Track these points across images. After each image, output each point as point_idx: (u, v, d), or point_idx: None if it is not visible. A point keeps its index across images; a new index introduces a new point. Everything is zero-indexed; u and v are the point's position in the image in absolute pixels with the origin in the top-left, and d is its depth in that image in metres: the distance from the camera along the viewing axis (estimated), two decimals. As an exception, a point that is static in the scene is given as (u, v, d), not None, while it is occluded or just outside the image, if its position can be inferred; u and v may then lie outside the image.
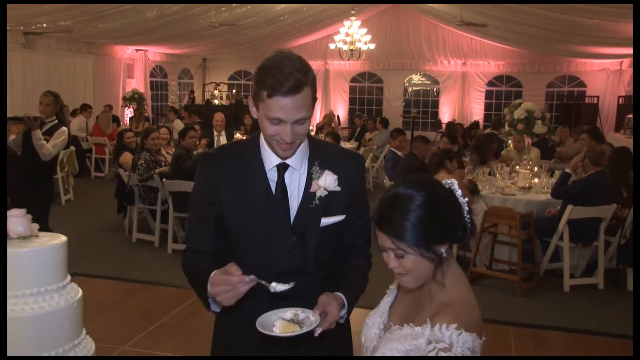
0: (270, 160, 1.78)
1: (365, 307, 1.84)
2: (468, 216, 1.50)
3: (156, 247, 6.56)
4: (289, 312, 1.65)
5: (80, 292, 2.03)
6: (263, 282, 1.59)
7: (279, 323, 1.60)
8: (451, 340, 1.36)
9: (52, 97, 5.29)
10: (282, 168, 1.78)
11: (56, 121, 5.29)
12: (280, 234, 1.78)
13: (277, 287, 1.60)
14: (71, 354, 1.93)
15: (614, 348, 4.34)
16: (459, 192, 1.50)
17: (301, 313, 1.65)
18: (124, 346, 4.10)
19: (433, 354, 1.36)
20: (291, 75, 1.60)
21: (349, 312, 1.77)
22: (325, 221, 1.78)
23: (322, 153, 1.83)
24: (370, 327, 1.61)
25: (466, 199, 1.52)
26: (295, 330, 1.57)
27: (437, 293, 1.49)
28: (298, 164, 1.79)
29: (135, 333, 4.32)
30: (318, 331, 1.60)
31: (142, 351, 4.07)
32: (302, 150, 1.79)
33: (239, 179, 1.79)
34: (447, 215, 1.47)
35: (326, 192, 1.77)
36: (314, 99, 1.69)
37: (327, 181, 1.76)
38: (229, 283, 1.56)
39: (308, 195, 1.78)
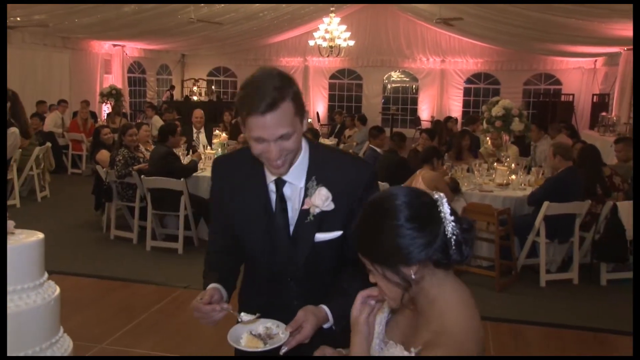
0: (269, 174, 1.80)
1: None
2: (454, 234, 1.32)
3: (134, 245, 6.50)
4: (261, 327, 1.70)
5: (58, 290, 2.01)
6: (234, 313, 1.71)
7: (245, 337, 1.66)
8: None
9: None
10: (280, 182, 1.80)
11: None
12: (276, 243, 1.83)
13: (244, 317, 1.70)
14: (48, 352, 1.91)
15: (588, 341, 4.43)
16: (445, 207, 1.33)
17: (275, 328, 1.69)
18: (102, 344, 4.06)
19: None
20: (266, 94, 1.59)
21: (338, 322, 1.76)
22: (321, 237, 1.79)
23: (323, 166, 1.80)
24: (386, 346, 1.53)
25: (452, 218, 1.34)
26: (258, 347, 1.63)
27: (433, 317, 1.36)
28: (296, 178, 1.79)
29: (114, 331, 4.28)
30: (284, 350, 1.64)
31: (121, 349, 4.03)
32: (301, 164, 1.79)
33: (241, 185, 1.85)
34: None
35: (318, 210, 1.77)
36: (298, 114, 1.67)
37: (318, 200, 1.75)
38: (201, 311, 1.68)
39: (303, 211, 1.80)
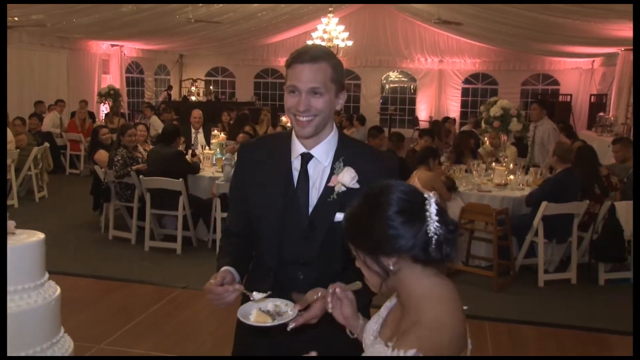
0: (296, 149, 1.86)
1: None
2: (436, 234, 1.37)
3: (133, 245, 6.49)
4: (271, 304, 1.72)
5: (59, 290, 2.01)
6: (246, 292, 1.73)
7: (255, 312, 1.69)
8: None
9: None
10: (305, 158, 1.85)
11: None
12: (292, 222, 1.85)
13: (256, 295, 1.72)
14: (49, 353, 1.91)
15: (586, 341, 4.44)
16: (432, 208, 1.39)
17: (284, 306, 1.71)
18: (100, 344, 4.05)
19: None
20: (310, 50, 1.77)
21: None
22: (340, 216, 1.79)
23: (351, 151, 1.87)
24: (368, 332, 1.58)
25: (437, 218, 1.39)
26: (267, 322, 1.65)
27: (411, 309, 1.42)
28: (323, 156, 1.85)
29: (112, 331, 4.28)
30: (291, 326, 1.65)
31: (120, 349, 4.03)
32: (329, 144, 1.86)
33: (264, 167, 1.89)
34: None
35: (344, 188, 1.81)
36: (335, 82, 1.80)
37: (346, 177, 1.80)
38: (215, 293, 1.71)
39: (327, 188, 1.83)
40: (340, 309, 1.65)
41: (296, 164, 1.86)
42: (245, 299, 1.75)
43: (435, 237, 1.37)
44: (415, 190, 1.45)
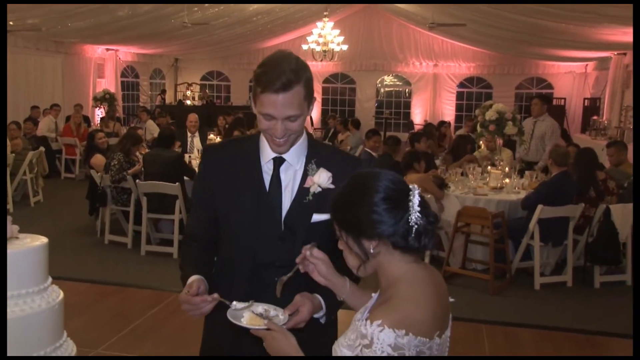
0: (267, 153, 1.86)
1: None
2: (417, 223, 1.44)
3: (129, 249, 6.49)
4: (260, 307, 1.73)
5: (62, 294, 2.01)
6: (225, 301, 1.71)
7: (247, 315, 1.68)
8: (372, 337, 1.36)
9: None
10: (277, 162, 1.85)
11: None
12: (267, 225, 1.84)
13: (237, 305, 1.71)
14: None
15: (582, 344, 4.46)
16: (415, 199, 1.46)
17: (272, 310, 1.72)
18: (97, 349, 4.05)
19: (358, 350, 1.39)
20: (283, 74, 1.69)
21: (329, 313, 1.81)
22: (316, 217, 1.81)
23: (321, 153, 1.90)
24: (353, 322, 1.61)
25: (419, 209, 1.46)
26: (261, 325, 1.65)
27: (388, 289, 1.49)
28: (294, 159, 1.86)
29: (109, 336, 4.27)
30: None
31: (117, 354, 4.03)
32: (300, 148, 1.87)
33: (233, 170, 1.88)
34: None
35: (320, 189, 1.83)
36: (307, 98, 1.77)
37: (322, 178, 1.82)
38: (191, 303, 1.70)
39: (302, 190, 1.85)
40: (317, 272, 1.69)
41: (267, 168, 1.87)
42: (223, 306, 1.73)
43: (416, 226, 1.45)
44: (402, 180, 1.52)
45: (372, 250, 1.47)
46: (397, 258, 1.48)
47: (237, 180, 1.87)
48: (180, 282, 1.88)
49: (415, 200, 1.46)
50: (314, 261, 1.68)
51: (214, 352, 2.00)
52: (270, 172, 1.86)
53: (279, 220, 1.85)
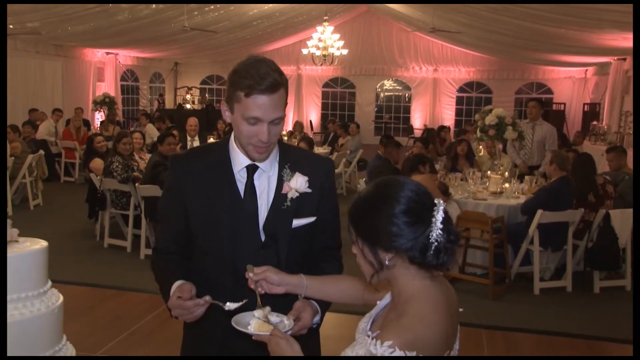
0: (240, 161, 1.80)
1: (338, 312, 1.85)
2: (437, 240, 1.38)
3: (128, 253, 6.48)
4: (262, 314, 1.69)
5: (61, 298, 2.00)
6: (218, 303, 1.66)
7: (254, 322, 1.65)
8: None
9: None
10: (251, 169, 1.80)
11: None
12: (246, 235, 1.80)
13: (231, 305, 1.67)
14: (51, 361, 1.91)
15: (581, 349, 4.45)
16: (439, 215, 1.39)
17: (275, 317, 1.69)
18: (96, 353, 4.04)
19: None
20: (268, 74, 1.64)
21: (321, 318, 1.80)
22: (297, 222, 1.81)
23: (293, 156, 1.86)
24: (358, 331, 1.58)
25: (441, 226, 1.39)
26: (269, 331, 1.60)
27: (400, 305, 1.43)
28: (267, 165, 1.82)
29: (108, 340, 4.26)
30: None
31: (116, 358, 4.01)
32: (272, 153, 1.82)
33: (205, 180, 1.81)
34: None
35: (297, 194, 1.80)
36: (286, 102, 1.74)
37: (299, 183, 1.79)
38: (185, 308, 1.64)
39: (279, 196, 1.81)
40: (268, 285, 1.67)
41: (239, 176, 1.81)
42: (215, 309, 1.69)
43: (436, 243, 1.38)
44: (427, 192, 1.44)
45: (387, 262, 1.41)
46: (412, 273, 1.42)
47: (209, 191, 1.80)
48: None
49: (439, 216, 1.39)
50: (262, 276, 1.66)
51: (201, 352, 1.95)
52: (244, 181, 1.80)
53: (257, 229, 1.81)
